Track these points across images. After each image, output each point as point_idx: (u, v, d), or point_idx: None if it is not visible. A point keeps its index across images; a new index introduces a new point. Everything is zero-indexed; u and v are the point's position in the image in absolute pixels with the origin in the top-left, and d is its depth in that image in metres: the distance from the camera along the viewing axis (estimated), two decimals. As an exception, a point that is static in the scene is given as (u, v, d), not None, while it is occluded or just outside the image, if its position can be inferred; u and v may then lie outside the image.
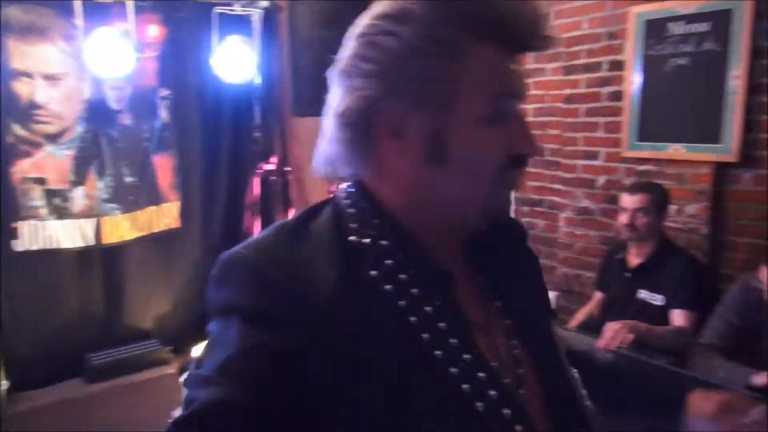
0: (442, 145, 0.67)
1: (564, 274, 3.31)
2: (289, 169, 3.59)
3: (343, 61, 0.69)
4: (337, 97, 0.70)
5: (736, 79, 2.51)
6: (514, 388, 0.70)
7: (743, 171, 2.58)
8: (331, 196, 0.74)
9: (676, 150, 2.76)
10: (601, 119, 3.08)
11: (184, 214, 3.26)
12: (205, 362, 0.62)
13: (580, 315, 2.75)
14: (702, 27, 2.62)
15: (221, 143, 3.41)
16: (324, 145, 0.72)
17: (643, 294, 2.46)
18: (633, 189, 2.49)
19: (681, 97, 2.73)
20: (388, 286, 0.67)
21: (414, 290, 0.67)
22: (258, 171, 3.52)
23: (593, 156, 3.13)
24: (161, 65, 3.10)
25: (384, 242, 0.69)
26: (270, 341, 0.60)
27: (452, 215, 0.71)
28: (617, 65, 2.98)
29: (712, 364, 2.03)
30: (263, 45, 3.38)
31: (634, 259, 2.52)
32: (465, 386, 0.66)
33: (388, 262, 0.68)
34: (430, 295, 0.68)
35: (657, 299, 2.42)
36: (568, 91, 3.22)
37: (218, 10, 3.17)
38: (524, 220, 3.54)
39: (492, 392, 0.67)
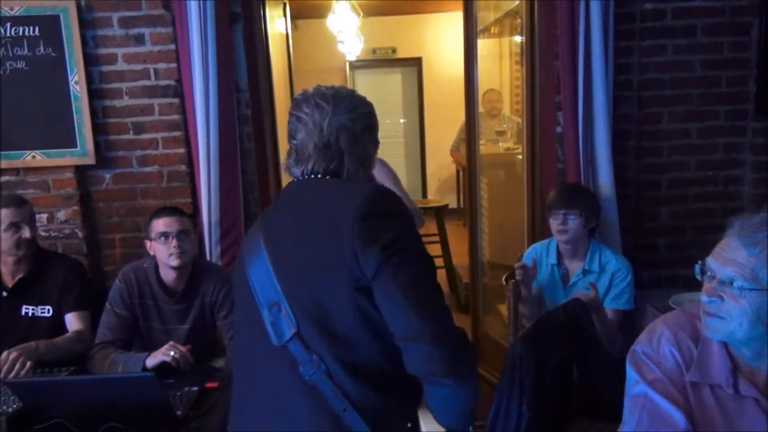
0: None
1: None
2: None
3: None
4: None
5: (77, 84, 2.59)
6: None
7: (103, 172, 2.72)
8: None
9: (34, 158, 2.66)
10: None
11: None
12: None
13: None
14: (33, 31, 2.57)
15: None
16: None
17: (29, 309, 2.32)
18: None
19: (28, 103, 2.63)
20: None
21: None
22: None
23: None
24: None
25: None
26: None
27: None
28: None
29: (112, 360, 2.09)
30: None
31: (10, 277, 2.33)
32: None
33: None
34: None
35: (45, 311, 2.33)
36: None
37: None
38: None
39: None
